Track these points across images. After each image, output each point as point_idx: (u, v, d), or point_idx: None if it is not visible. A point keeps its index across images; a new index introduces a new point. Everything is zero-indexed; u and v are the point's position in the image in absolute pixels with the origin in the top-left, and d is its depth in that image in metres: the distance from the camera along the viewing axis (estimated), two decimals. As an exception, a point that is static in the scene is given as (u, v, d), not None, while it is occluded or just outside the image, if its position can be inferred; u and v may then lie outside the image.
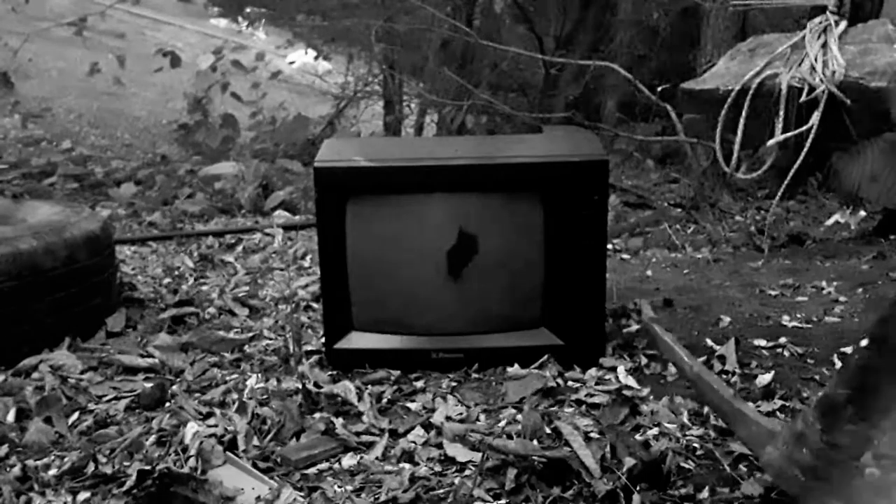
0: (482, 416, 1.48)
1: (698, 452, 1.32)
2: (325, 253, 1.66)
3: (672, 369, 1.68)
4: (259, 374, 1.70)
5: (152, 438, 1.40)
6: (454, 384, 1.63)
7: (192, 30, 13.32)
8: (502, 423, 1.44)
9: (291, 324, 1.82)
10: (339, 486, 1.25)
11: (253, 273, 2.78)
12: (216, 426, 1.45)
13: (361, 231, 1.65)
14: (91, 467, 1.28)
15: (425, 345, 1.70)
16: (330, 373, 1.68)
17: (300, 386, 1.56)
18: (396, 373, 1.70)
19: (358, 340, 1.70)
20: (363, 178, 1.64)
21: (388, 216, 1.68)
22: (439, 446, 1.36)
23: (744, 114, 2.93)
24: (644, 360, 1.72)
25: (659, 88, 3.98)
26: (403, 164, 1.67)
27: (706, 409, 1.46)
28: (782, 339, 1.81)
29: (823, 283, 2.31)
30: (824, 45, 2.90)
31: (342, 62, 7.50)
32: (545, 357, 1.70)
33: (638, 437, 1.36)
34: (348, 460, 1.34)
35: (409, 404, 1.55)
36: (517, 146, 1.72)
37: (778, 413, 1.45)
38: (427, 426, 1.45)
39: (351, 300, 1.68)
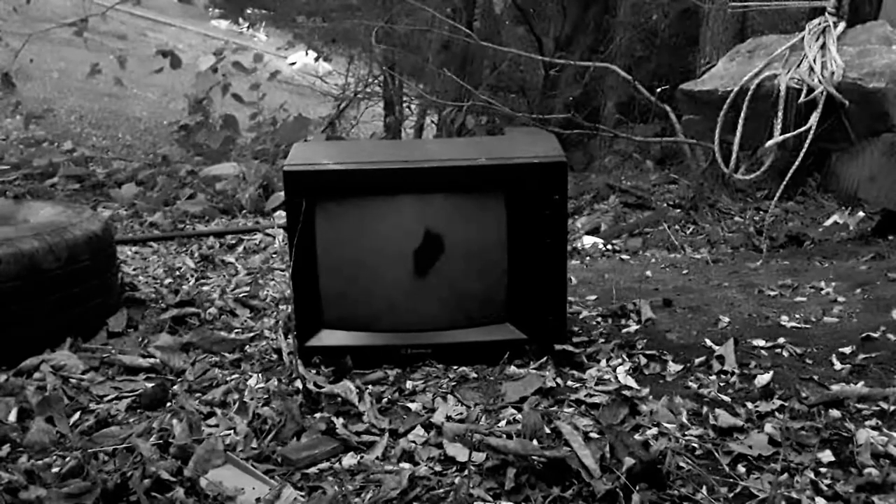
0: (482, 416, 1.49)
1: (697, 452, 1.33)
2: (296, 254, 1.70)
3: (671, 369, 1.69)
4: (260, 375, 1.71)
5: (153, 439, 1.40)
6: (454, 384, 1.64)
7: (193, 31, 13.34)
8: (502, 423, 1.45)
9: (282, 319, 1.84)
10: (340, 486, 1.25)
11: (254, 273, 2.78)
12: (217, 426, 1.46)
13: (330, 232, 1.69)
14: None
15: (394, 341, 1.74)
16: (327, 370, 1.69)
17: (301, 386, 1.57)
18: (396, 372, 1.71)
19: (328, 338, 1.74)
20: (331, 180, 1.68)
21: (356, 217, 1.71)
22: (439, 446, 1.37)
23: (742, 115, 2.94)
24: (644, 360, 1.73)
25: (658, 90, 3.99)
26: (370, 167, 1.70)
27: (705, 409, 1.47)
28: (781, 340, 1.82)
29: (822, 284, 2.31)
30: (823, 47, 2.91)
31: (343, 63, 7.51)
32: (545, 358, 1.72)
33: (637, 436, 1.36)
34: (349, 460, 1.35)
35: (409, 404, 1.56)
36: (481, 148, 1.78)
37: (777, 413, 1.46)
38: (427, 426, 1.45)
39: (321, 299, 1.72)
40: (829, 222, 3.73)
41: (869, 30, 2.99)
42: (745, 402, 1.51)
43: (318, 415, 1.50)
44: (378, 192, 1.71)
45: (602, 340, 1.86)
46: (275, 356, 1.84)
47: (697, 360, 1.73)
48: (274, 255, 3.16)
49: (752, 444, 1.33)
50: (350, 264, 1.73)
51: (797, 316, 2.01)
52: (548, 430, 1.38)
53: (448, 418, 1.48)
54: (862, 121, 2.82)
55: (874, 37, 2.93)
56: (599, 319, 2.06)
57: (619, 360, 1.73)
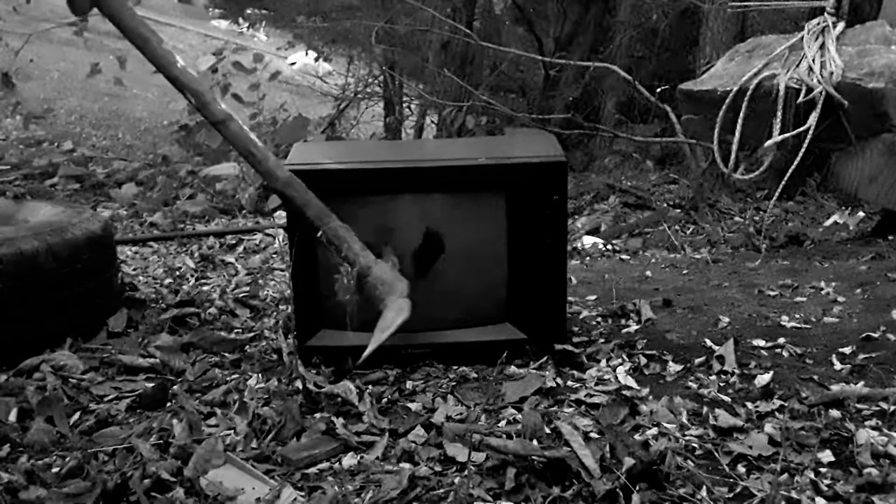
0: (482, 416, 1.49)
1: (697, 452, 1.33)
2: (296, 254, 1.69)
3: (671, 369, 1.69)
4: (260, 375, 1.71)
5: (153, 439, 1.41)
6: (454, 384, 1.64)
7: (194, 31, 13.35)
8: (502, 423, 1.45)
9: (282, 319, 1.83)
10: (340, 486, 1.25)
11: (254, 273, 2.79)
12: (217, 426, 1.46)
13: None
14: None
15: (394, 341, 1.73)
16: (327, 370, 1.69)
17: (301, 386, 1.57)
18: (396, 372, 1.71)
19: (328, 338, 1.74)
20: (331, 180, 1.68)
21: (356, 217, 1.70)
22: (439, 446, 1.37)
23: (742, 114, 2.94)
24: (644, 360, 1.73)
25: (658, 90, 4.00)
26: (370, 167, 1.70)
27: (705, 409, 1.47)
28: (781, 340, 1.82)
29: (822, 284, 2.32)
30: (822, 47, 2.91)
31: (343, 63, 7.52)
32: (545, 358, 1.72)
33: (637, 437, 1.36)
34: (349, 460, 1.35)
35: (409, 404, 1.56)
36: (481, 148, 1.78)
37: (777, 413, 1.46)
38: (427, 426, 1.45)
39: (321, 299, 1.71)
40: (829, 222, 3.73)
41: (868, 30, 2.99)
42: (745, 402, 1.51)
43: (318, 415, 1.50)
44: (378, 191, 1.71)
45: (602, 340, 1.86)
46: (275, 356, 1.84)
47: (697, 360, 1.73)
48: (274, 255, 3.16)
49: (752, 444, 1.33)
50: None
51: (797, 316, 2.01)
52: (548, 430, 1.38)
53: (448, 418, 1.48)
54: (861, 121, 2.82)
55: (873, 37, 2.93)
56: (599, 319, 2.06)
57: (619, 360, 1.73)
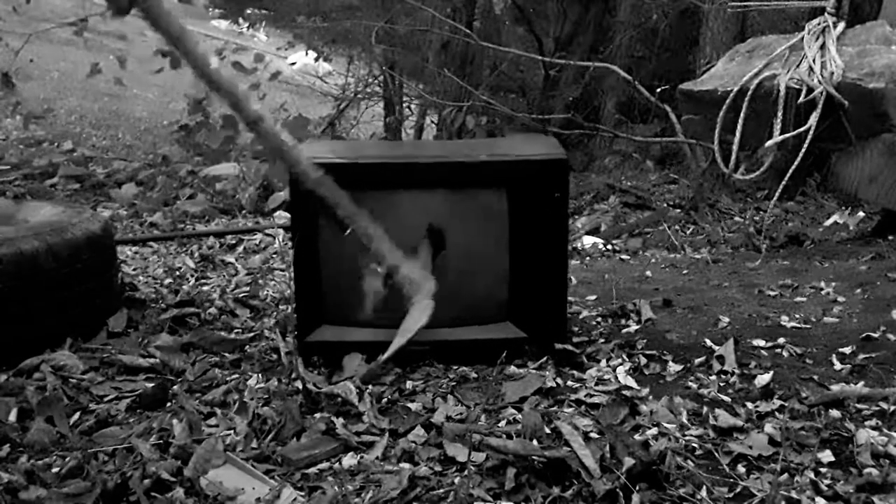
0: (482, 416, 1.49)
1: (697, 452, 1.33)
2: (298, 249, 1.70)
3: (671, 369, 1.69)
4: (260, 375, 1.71)
5: (153, 439, 1.41)
6: (454, 384, 1.64)
7: (194, 31, 13.32)
8: (502, 423, 1.45)
9: (281, 318, 1.83)
10: (340, 486, 1.25)
11: (254, 273, 2.79)
12: (217, 426, 1.46)
13: (333, 228, 1.68)
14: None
15: (393, 338, 1.72)
16: (326, 370, 1.69)
17: (301, 386, 1.57)
18: (396, 372, 1.71)
19: (329, 334, 1.74)
20: (334, 174, 1.66)
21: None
22: (439, 446, 1.37)
23: (742, 115, 2.94)
24: (644, 360, 1.73)
25: (658, 90, 4.00)
26: (373, 161, 1.71)
27: (705, 409, 1.47)
28: (781, 340, 1.82)
29: (822, 284, 2.32)
30: (822, 47, 2.91)
31: (343, 63, 7.52)
32: (545, 358, 1.72)
33: (637, 437, 1.36)
34: (348, 460, 1.35)
35: (409, 404, 1.56)
36: (483, 147, 1.78)
37: (777, 413, 1.46)
38: (427, 426, 1.45)
39: (323, 295, 1.71)
40: (829, 222, 3.73)
41: (868, 30, 3.00)
42: (745, 402, 1.51)
43: (318, 415, 1.50)
44: (380, 186, 1.71)
45: (602, 340, 1.86)
46: (275, 356, 1.84)
47: (697, 360, 1.73)
48: (274, 255, 3.16)
49: (752, 444, 1.33)
50: (351, 259, 1.72)
51: (797, 316, 2.01)
52: (548, 430, 1.38)
53: (448, 418, 1.48)
54: (862, 121, 2.82)
55: (874, 37, 2.93)
56: (599, 319, 2.06)
57: (619, 360, 1.73)
